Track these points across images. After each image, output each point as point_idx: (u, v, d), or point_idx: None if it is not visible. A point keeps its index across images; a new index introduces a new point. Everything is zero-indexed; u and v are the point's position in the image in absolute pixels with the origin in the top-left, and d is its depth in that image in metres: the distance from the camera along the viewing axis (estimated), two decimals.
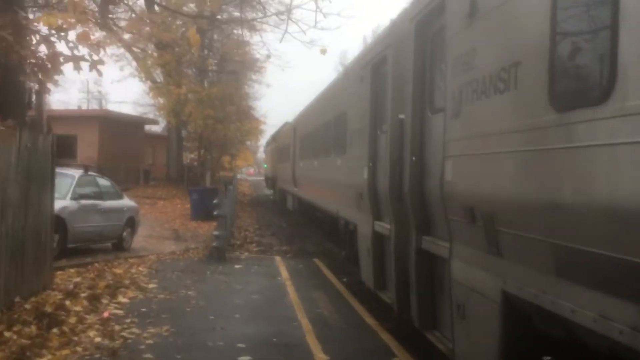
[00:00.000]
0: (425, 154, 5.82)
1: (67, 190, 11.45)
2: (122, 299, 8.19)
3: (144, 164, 39.39)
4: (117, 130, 34.07)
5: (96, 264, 10.61)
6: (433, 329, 5.77)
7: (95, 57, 6.88)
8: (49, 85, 7.55)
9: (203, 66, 34.46)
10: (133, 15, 20.17)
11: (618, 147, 2.70)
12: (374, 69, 7.96)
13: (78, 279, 9.12)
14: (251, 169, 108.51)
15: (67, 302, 7.36)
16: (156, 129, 47.50)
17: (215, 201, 12.95)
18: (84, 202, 11.91)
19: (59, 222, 10.52)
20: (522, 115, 3.59)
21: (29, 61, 7.12)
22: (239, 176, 62.73)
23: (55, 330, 6.28)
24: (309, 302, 8.82)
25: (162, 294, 8.79)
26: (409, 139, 6.09)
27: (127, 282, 9.41)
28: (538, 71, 3.39)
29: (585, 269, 3.00)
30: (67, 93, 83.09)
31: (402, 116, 6.36)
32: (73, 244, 11.43)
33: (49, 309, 6.89)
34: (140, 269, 10.84)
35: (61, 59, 6.91)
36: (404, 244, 6.46)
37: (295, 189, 20.66)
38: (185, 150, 43.76)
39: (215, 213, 12.97)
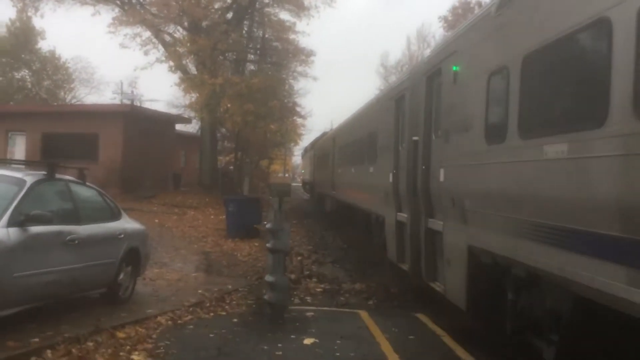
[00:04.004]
0: (430, 164, 8.38)
1: (1, 209, 6.41)
2: None
3: (175, 167, 34.39)
4: (145, 129, 29.16)
5: (48, 353, 5.40)
6: (435, 280, 8.37)
7: None
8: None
9: (242, 55, 29.46)
10: None
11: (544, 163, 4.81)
12: (397, 103, 10.95)
13: None
14: (286, 174, 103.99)
15: None
16: (190, 129, 42.66)
17: (267, 225, 8.00)
18: (36, 229, 6.61)
19: None
20: (473, 145, 6.44)
21: None
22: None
23: None
24: None
25: None
26: (420, 154, 8.81)
27: None
28: (479, 121, 6.25)
29: (512, 226, 5.36)
30: (101, 95, 78.96)
31: (415, 138, 9.09)
32: (12, 308, 6.26)
33: None
34: (135, 357, 5.66)
35: None
36: (416, 227, 9.13)
37: (333, 192, 22.87)
38: (219, 154, 38.73)
39: (268, 245, 7.97)
